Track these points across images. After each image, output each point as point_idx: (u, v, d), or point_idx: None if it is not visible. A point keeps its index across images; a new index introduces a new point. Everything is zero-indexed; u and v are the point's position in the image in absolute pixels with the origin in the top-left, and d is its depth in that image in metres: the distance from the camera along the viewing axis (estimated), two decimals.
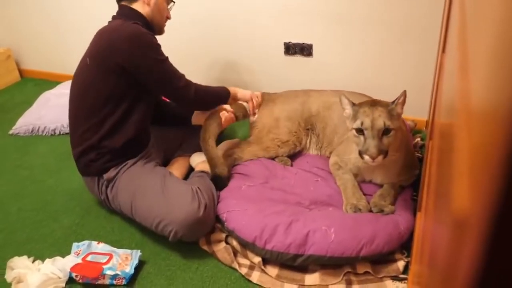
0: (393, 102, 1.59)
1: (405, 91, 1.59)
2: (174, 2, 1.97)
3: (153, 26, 1.86)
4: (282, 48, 2.50)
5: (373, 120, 1.52)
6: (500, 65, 0.33)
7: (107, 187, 1.77)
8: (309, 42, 2.42)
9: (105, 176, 1.74)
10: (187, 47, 2.69)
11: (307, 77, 2.51)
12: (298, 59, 2.49)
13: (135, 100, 1.78)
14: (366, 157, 1.53)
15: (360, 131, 1.55)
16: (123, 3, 1.83)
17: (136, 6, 1.82)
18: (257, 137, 2.09)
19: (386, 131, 1.53)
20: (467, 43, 0.63)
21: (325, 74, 2.46)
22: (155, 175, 1.74)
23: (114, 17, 1.85)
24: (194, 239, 1.67)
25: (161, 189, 1.66)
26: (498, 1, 0.40)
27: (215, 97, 2.00)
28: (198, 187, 1.69)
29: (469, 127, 0.44)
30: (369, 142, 1.52)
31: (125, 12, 1.81)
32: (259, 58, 2.59)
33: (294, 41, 2.45)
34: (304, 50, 2.44)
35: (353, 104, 1.63)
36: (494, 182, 0.26)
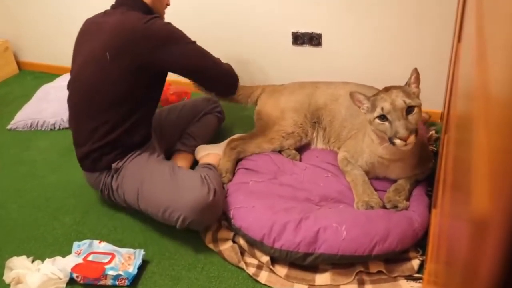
0: (407, 82, 1.61)
1: (415, 69, 1.59)
2: None
3: (154, 13, 1.86)
4: (290, 38, 2.49)
5: (392, 102, 1.53)
6: None
7: (112, 177, 1.78)
8: (318, 32, 2.41)
9: (113, 165, 1.77)
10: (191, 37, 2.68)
11: (316, 68, 2.50)
12: (307, 49, 2.48)
13: (153, 94, 1.87)
14: (398, 141, 1.52)
15: (383, 117, 1.55)
16: None
17: None
18: (262, 128, 2.10)
19: (409, 109, 1.53)
20: (485, 31, 0.63)
21: (335, 64, 2.45)
22: (164, 164, 1.79)
23: (114, 6, 1.85)
24: (201, 226, 1.68)
25: (170, 176, 1.70)
26: None
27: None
28: (206, 174, 1.72)
29: (488, 120, 0.44)
30: (396, 125, 1.52)
31: (128, 1, 1.81)
32: (266, 49, 2.58)
33: (302, 30, 2.44)
34: (313, 39, 2.43)
35: (368, 97, 1.64)
36: None
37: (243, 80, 2.44)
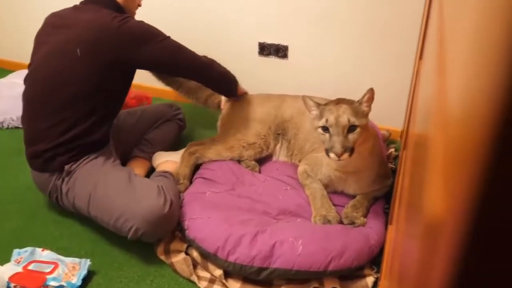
0: (358, 100, 1.63)
1: (371, 89, 1.62)
2: None
3: (125, 13, 1.83)
4: (256, 48, 2.50)
5: (337, 117, 1.55)
6: (476, 72, 0.33)
7: (63, 180, 1.71)
8: (284, 44, 2.43)
9: (66, 167, 1.70)
10: None
11: (281, 80, 2.52)
12: (273, 60, 2.50)
13: (117, 94, 1.84)
14: (332, 155, 1.55)
15: (325, 129, 1.58)
16: None
17: None
18: (224, 136, 2.10)
19: (351, 128, 1.55)
20: (446, 50, 0.64)
21: (300, 77, 2.47)
22: (120, 170, 1.75)
23: (84, 3, 1.82)
24: (154, 238, 1.63)
25: (125, 183, 1.65)
26: (474, 9, 0.41)
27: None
28: (163, 184, 1.69)
29: (446, 133, 0.44)
30: (334, 139, 1.54)
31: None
32: (232, 57, 2.57)
33: (269, 41, 2.45)
34: (280, 51, 2.45)
35: (319, 105, 1.66)
36: (469, 187, 0.25)
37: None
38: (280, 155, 2.13)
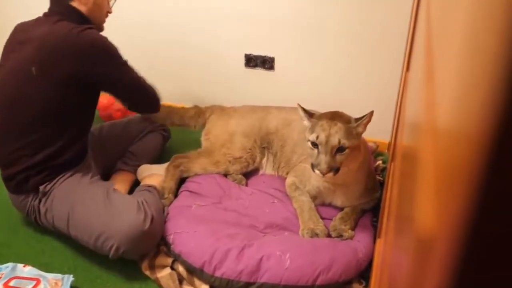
0: (356, 119, 1.61)
1: (372, 112, 1.61)
2: None
3: (92, 23, 1.77)
4: (242, 60, 2.50)
5: (328, 135, 1.54)
6: (467, 83, 0.32)
7: (40, 201, 1.67)
8: (271, 55, 2.44)
9: (41, 188, 1.66)
10: (138, 54, 2.64)
11: (267, 92, 2.53)
12: (259, 72, 2.50)
13: (85, 111, 1.79)
14: (317, 171, 1.55)
15: (314, 144, 1.57)
16: None
17: (73, 3, 1.73)
18: (209, 150, 2.08)
19: (340, 148, 1.55)
20: (433, 60, 0.64)
21: (287, 89, 2.48)
22: (98, 186, 1.71)
23: (47, 14, 1.75)
24: (137, 256, 1.61)
25: (103, 200, 1.62)
26: (465, 10, 0.40)
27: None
28: (144, 199, 1.66)
29: (436, 146, 0.44)
30: (321, 158, 1.54)
31: (62, 9, 1.72)
32: (218, 69, 2.58)
33: (255, 53, 2.46)
34: (266, 63, 2.46)
35: (312, 115, 1.65)
36: (462, 200, 0.25)
37: (193, 101, 2.42)
38: (267, 168, 2.12)
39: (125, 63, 1.76)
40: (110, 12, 1.89)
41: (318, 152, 1.56)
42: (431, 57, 0.68)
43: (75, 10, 1.73)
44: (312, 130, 1.60)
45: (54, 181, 1.68)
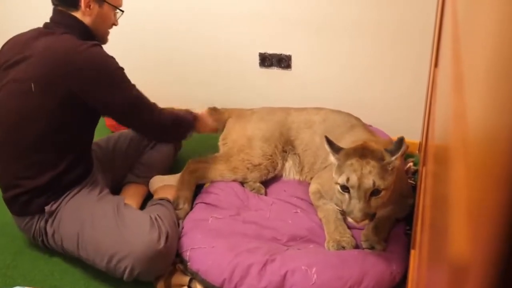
0: (390, 152, 1.51)
1: (403, 138, 1.51)
2: (122, 11, 1.91)
3: (95, 35, 1.79)
4: (257, 59, 2.51)
5: (361, 177, 1.45)
6: (498, 81, 0.32)
7: (46, 221, 1.70)
8: (287, 53, 2.44)
9: (47, 208, 1.68)
10: (149, 58, 2.67)
11: (284, 92, 2.53)
12: (275, 71, 2.51)
13: (87, 130, 1.81)
14: (350, 219, 1.51)
15: (345, 188, 1.50)
16: (60, 8, 1.74)
17: (76, 14, 1.74)
18: (226, 155, 2.08)
19: (375, 191, 1.48)
20: (461, 58, 0.64)
21: (305, 88, 2.48)
22: (107, 202, 1.72)
23: (48, 24, 1.75)
24: (153, 277, 1.62)
25: (114, 218, 1.63)
26: (492, 10, 0.40)
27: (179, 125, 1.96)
28: (157, 215, 1.67)
29: (466, 153, 0.44)
30: (354, 204, 1.46)
31: (65, 21, 1.73)
32: (231, 70, 2.59)
33: (270, 51, 2.47)
34: (282, 61, 2.46)
35: (338, 150, 1.56)
36: (495, 224, 0.25)
37: (206, 105, 2.43)
38: (290, 173, 2.11)
39: (130, 88, 1.73)
40: (115, 25, 1.89)
41: (350, 197, 1.48)
42: (459, 53, 0.67)
43: (78, 22, 1.73)
44: (340, 170, 1.51)
45: (60, 199, 1.70)
